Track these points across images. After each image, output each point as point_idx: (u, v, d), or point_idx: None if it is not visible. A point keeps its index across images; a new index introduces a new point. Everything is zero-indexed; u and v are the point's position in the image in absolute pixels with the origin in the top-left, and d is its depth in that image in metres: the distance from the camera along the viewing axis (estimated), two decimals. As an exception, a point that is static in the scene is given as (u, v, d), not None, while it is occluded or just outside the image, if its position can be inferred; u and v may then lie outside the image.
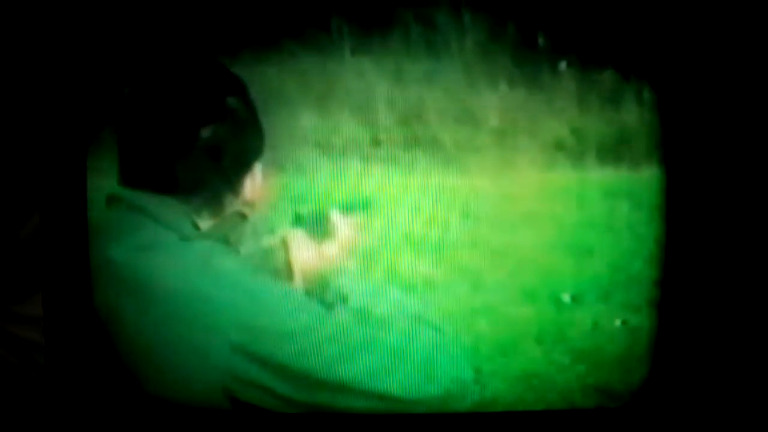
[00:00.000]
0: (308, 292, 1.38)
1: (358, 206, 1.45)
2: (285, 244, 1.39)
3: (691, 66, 1.46)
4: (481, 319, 1.54)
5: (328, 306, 1.39)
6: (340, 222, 1.43)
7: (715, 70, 1.46)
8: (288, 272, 1.38)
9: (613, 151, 1.51)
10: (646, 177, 1.50)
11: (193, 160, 1.34)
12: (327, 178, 1.46)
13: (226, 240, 1.35)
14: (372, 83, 1.48)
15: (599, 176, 1.53)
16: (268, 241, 1.40)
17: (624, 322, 1.55)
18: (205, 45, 1.42)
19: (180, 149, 1.33)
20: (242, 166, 1.39)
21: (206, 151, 1.33)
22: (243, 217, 1.38)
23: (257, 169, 1.41)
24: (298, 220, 1.44)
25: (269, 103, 1.47)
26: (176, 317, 1.31)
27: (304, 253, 1.40)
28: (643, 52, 1.48)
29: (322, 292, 1.38)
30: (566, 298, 1.56)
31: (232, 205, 1.37)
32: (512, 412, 1.55)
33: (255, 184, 1.41)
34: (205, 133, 1.33)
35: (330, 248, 1.42)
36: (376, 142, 1.48)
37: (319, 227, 1.43)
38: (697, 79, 1.47)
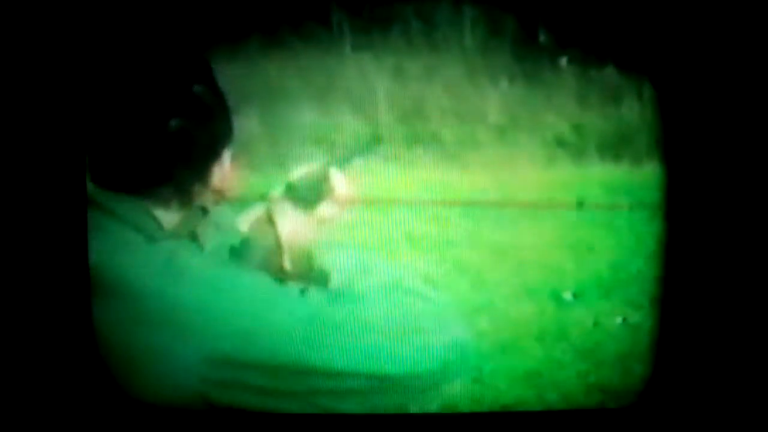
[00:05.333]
0: (279, 280, 1.35)
1: (362, 150, 1.40)
2: (271, 218, 1.37)
3: (692, 63, 1.46)
4: (482, 318, 1.54)
5: (301, 290, 1.36)
6: (338, 179, 1.39)
7: (716, 66, 1.46)
8: (275, 247, 1.35)
9: (613, 148, 1.52)
10: (647, 174, 1.50)
11: (160, 154, 1.30)
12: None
13: (191, 237, 1.32)
14: (372, 80, 1.47)
15: (600, 173, 1.53)
16: (251, 216, 1.37)
17: (625, 320, 1.55)
18: (207, 41, 1.42)
19: (146, 143, 1.30)
20: (210, 155, 1.35)
21: (174, 144, 1.30)
22: (204, 211, 1.35)
23: (226, 156, 1.38)
24: (290, 190, 1.41)
25: (269, 99, 1.46)
26: (144, 321, 1.28)
27: (292, 225, 1.37)
28: (643, 49, 1.48)
29: (304, 268, 1.36)
30: (567, 295, 1.55)
31: (201, 195, 1.34)
32: (513, 412, 1.55)
33: (224, 171, 1.37)
34: (173, 124, 1.29)
35: (326, 209, 1.38)
36: (377, 139, 1.47)
37: (313, 191, 1.40)
38: (698, 76, 1.47)
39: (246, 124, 1.46)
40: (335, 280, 1.33)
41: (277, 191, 1.36)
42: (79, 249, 1.34)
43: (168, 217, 1.30)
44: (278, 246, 1.34)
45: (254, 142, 1.46)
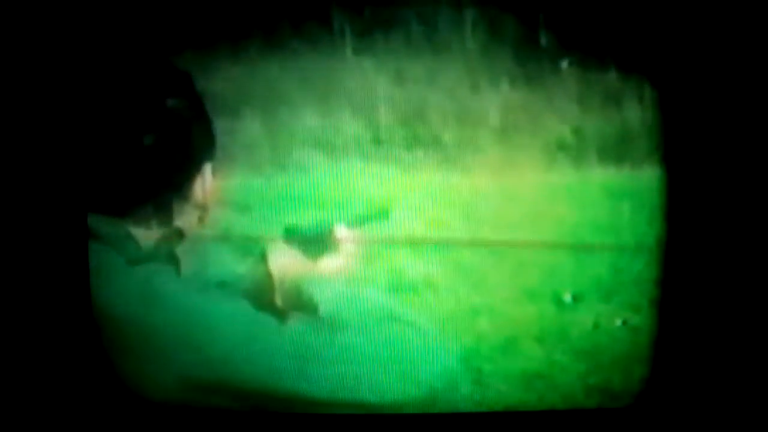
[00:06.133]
0: (259, 307, 1.33)
1: (372, 217, 1.41)
2: (265, 256, 1.36)
3: (693, 66, 1.46)
4: (482, 319, 1.54)
5: (282, 318, 1.34)
6: (345, 236, 1.39)
7: (717, 70, 1.46)
8: (266, 283, 1.34)
9: (614, 151, 1.51)
10: (648, 176, 1.50)
11: (137, 172, 1.28)
12: (328, 179, 1.46)
13: (169, 260, 1.30)
14: (373, 82, 1.47)
15: (601, 176, 1.53)
16: (235, 263, 1.36)
17: (625, 322, 1.55)
18: (210, 42, 1.42)
19: (122, 163, 1.27)
20: (190, 170, 1.32)
21: (150, 161, 1.27)
22: (181, 234, 1.33)
23: (207, 170, 1.35)
24: (289, 233, 1.40)
25: (270, 102, 1.46)
26: (121, 345, 1.28)
27: (287, 265, 1.36)
28: (644, 52, 1.48)
29: (294, 301, 1.35)
30: (567, 297, 1.55)
31: (182, 210, 1.32)
32: (513, 412, 1.55)
33: (205, 185, 1.35)
34: (147, 141, 1.27)
35: (328, 263, 1.38)
36: (377, 142, 1.47)
37: (316, 242, 1.40)
38: (699, 79, 1.46)
39: (246, 126, 1.46)
40: (323, 310, 1.32)
41: (274, 232, 1.35)
42: (80, 262, 1.34)
43: (148, 236, 1.28)
44: (270, 283, 1.33)
45: (254, 145, 1.46)
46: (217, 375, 1.24)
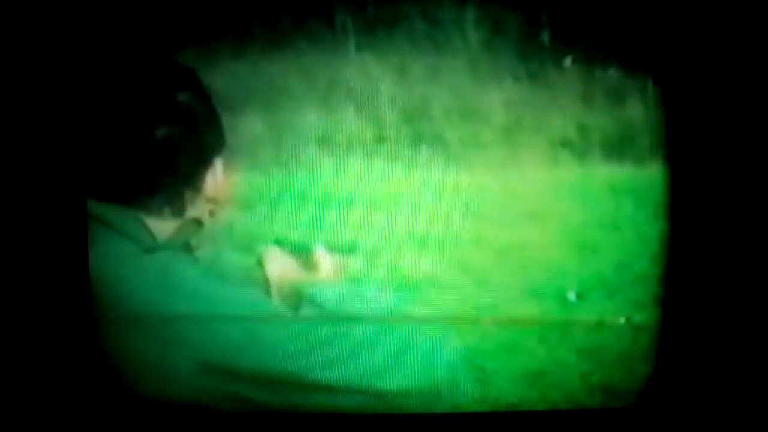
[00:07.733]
0: (267, 300, 1.35)
1: (343, 250, 1.43)
2: (261, 262, 1.37)
3: (696, 63, 1.46)
4: (486, 318, 1.54)
5: (296, 308, 1.36)
6: (324, 259, 1.40)
7: (720, 67, 1.46)
8: (264, 284, 1.35)
9: (618, 148, 1.51)
10: (651, 174, 1.50)
11: (149, 163, 1.29)
12: (330, 177, 1.46)
13: (186, 248, 1.32)
14: (376, 80, 1.47)
15: (604, 173, 1.53)
16: (243, 257, 1.37)
17: (628, 320, 1.55)
18: (212, 41, 1.42)
19: (134, 154, 1.29)
20: (201, 163, 1.35)
21: (162, 153, 1.29)
22: (199, 224, 1.35)
23: (218, 164, 1.37)
24: (279, 242, 1.41)
25: (272, 99, 1.46)
26: (139, 330, 1.29)
27: (281, 270, 1.37)
28: (648, 49, 1.48)
29: (294, 301, 1.36)
30: (571, 295, 1.55)
31: (194, 203, 1.34)
32: (515, 411, 1.55)
33: (216, 179, 1.37)
34: (159, 134, 1.28)
35: (330, 260, 1.39)
36: (380, 139, 1.47)
37: (301, 256, 1.41)
38: (702, 77, 1.46)
39: (249, 124, 1.46)
40: (327, 307, 1.33)
41: (277, 229, 1.36)
42: (80, 259, 1.34)
43: (162, 226, 1.30)
44: (267, 285, 1.35)
45: (257, 143, 1.45)
46: (232, 361, 1.26)
